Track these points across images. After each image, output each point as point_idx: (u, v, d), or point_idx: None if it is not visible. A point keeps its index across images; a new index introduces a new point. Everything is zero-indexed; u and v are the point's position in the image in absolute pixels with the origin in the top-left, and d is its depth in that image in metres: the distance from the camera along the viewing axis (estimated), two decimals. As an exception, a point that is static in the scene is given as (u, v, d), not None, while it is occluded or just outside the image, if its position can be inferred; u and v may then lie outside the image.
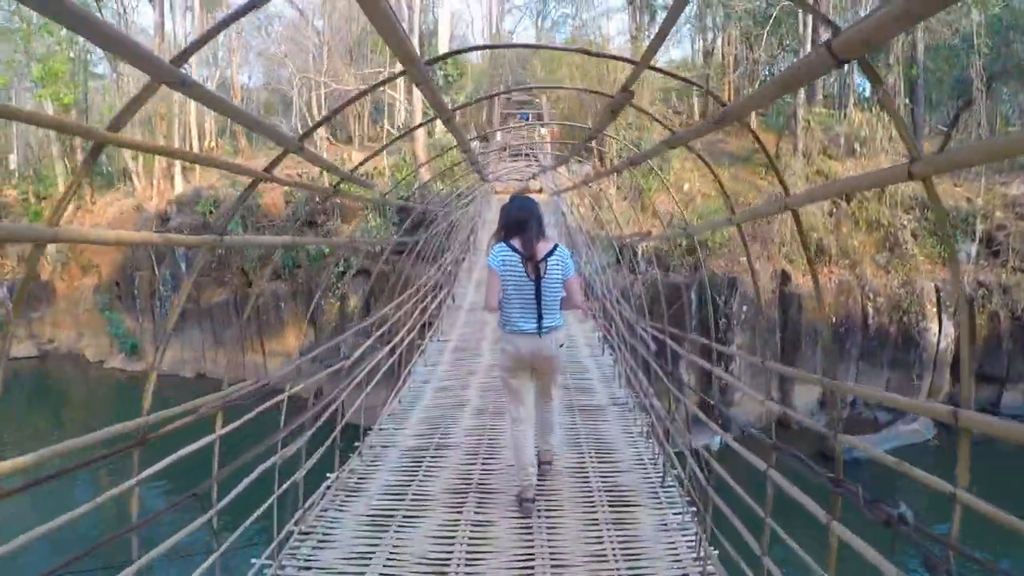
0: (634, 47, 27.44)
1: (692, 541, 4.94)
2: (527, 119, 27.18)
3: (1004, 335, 21.77)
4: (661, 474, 6.07)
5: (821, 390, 20.98)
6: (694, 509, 5.22)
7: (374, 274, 18.77)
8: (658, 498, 5.68)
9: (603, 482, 5.96)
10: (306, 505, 5.31)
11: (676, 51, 36.99)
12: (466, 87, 27.58)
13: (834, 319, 20.96)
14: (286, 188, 22.70)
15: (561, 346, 5.38)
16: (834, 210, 21.97)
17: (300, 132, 21.08)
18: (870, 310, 21.07)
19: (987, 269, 22.14)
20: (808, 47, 23.69)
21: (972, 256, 22.21)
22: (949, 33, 27.12)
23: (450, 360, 10.29)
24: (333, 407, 6.20)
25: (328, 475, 5.99)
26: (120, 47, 2.03)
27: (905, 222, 22.09)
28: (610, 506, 5.51)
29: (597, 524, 5.21)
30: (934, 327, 21.29)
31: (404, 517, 5.35)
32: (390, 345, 8.78)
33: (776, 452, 4.09)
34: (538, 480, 5.61)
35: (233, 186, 24.95)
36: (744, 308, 20.49)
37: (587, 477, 6.05)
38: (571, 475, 6.09)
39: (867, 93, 27.60)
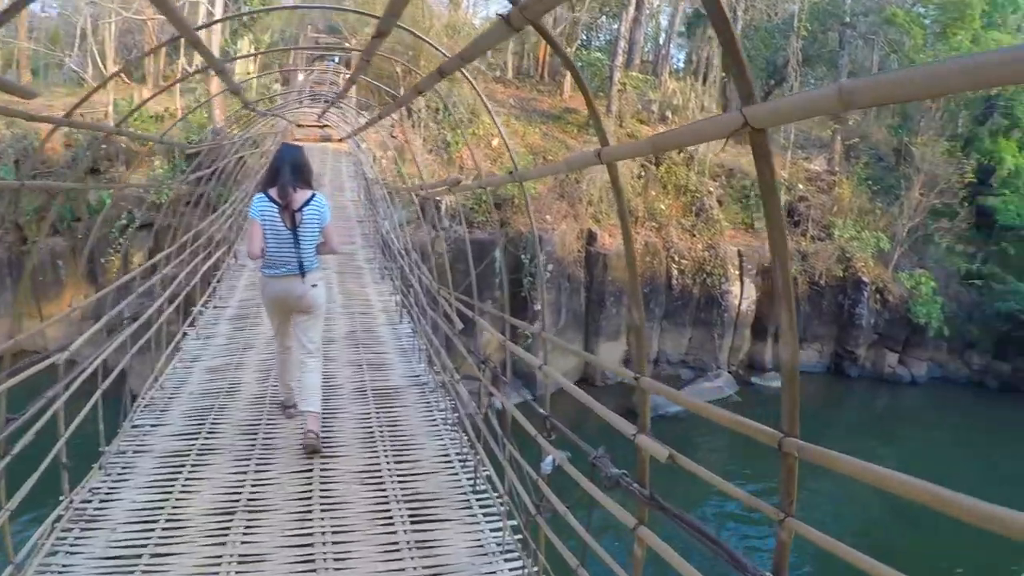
0: (452, 8, 27.55)
1: (519, 571, 4.18)
2: (335, 64, 26.69)
3: (802, 299, 23.11)
4: (472, 478, 5.27)
5: (625, 348, 21.58)
6: (514, 523, 4.47)
7: (155, 227, 17.81)
8: (471, 509, 4.86)
9: (403, 490, 5.07)
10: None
11: (492, 9, 37.07)
12: (272, 26, 26.85)
13: (639, 279, 21.56)
14: (66, 129, 21.28)
15: (314, 286, 5.70)
16: (643, 173, 22.64)
17: (90, 68, 19.91)
18: (675, 271, 21.83)
19: (788, 237, 23.33)
20: (632, 9, 24.42)
21: (774, 224, 23.44)
22: (768, 16, 28.68)
23: (227, 331, 9.11)
24: (86, 372, 5.19)
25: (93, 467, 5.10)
26: None
27: (711, 188, 23.05)
28: (412, 522, 4.65)
29: (398, 548, 4.36)
30: (736, 289, 22.34)
31: (152, 556, 4.23)
32: (149, 313, 7.30)
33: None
34: (322, 491, 5.02)
35: (9, 127, 23.12)
36: (550, 267, 20.76)
37: (383, 484, 5.13)
38: (364, 482, 5.16)
39: (682, 64, 28.81)
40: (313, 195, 5.56)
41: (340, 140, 21.43)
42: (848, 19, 28.77)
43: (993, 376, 26.47)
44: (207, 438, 5.81)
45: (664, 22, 28.75)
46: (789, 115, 1.69)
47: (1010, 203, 27.55)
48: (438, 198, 19.94)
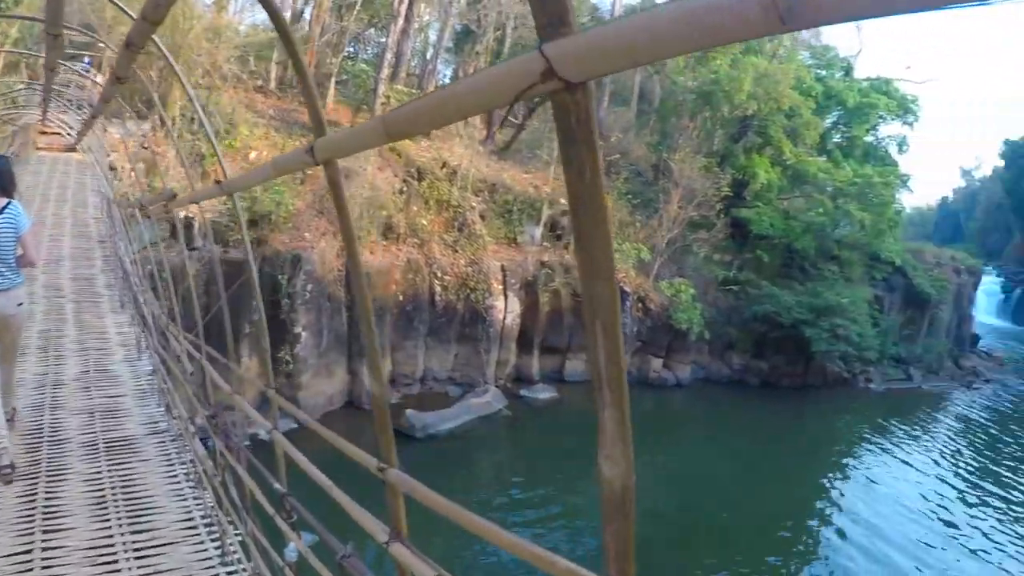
0: (215, 3, 26.80)
1: None
2: (89, 67, 25.29)
3: (566, 310, 24.17)
4: (220, 548, 4.66)
5: (391, 367, 21.73)
6: None
7: None
8: None
9: (140, 568, 4.45)
10: None
11: (261, 14, 36.40)
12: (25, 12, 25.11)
13: (401, 297, 21.81)
14: None
15: (20, 305, 5.51)
16: (404, 188, 22.93)
17: None
18: (438, 288, 22.19)
19: (551, 250, 24.45)
20: (401, 21, 24.70)
21: (537, 238, 24.41)
22: (532, 34, 29.88)
23: None
24: None
25: None
26: None
27: (474, 204, 23.68)
28: None
29: None
30: (500, 304, 23.03)
31: None
32: None
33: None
34: None
35: None
36: (309, 286, 20.61)
37: (116, 561, 4.51)
38: (94, 561, 4.51)
39: (447, 79, 29.49)
40: (9, 203, 5.30)
41: (70, 149, 20.48)
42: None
43: (753, 374, 28.82)
44: None
45: (433, 37, 29.31)
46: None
47: (763, 214, 30.09)
48: (190, 215, 19.39)
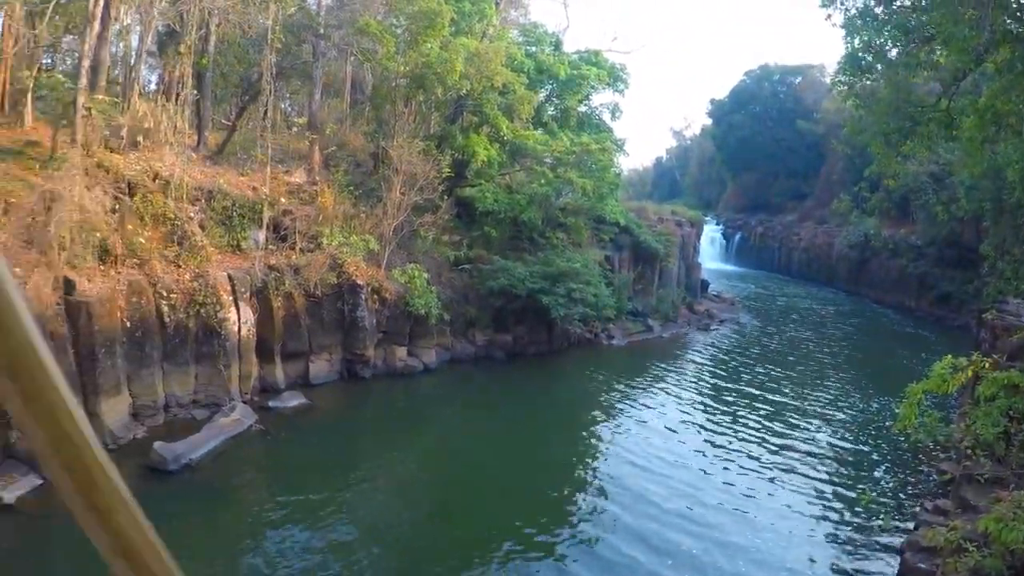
0: None
1: None
2: None
3: (301, 312, 25.93)
4: None
5: (130, 401, 22.32)
6: None
7: None
8: None
9: None
10: None
11: None
12: None
13: (129, 323, 22.40)
14: None
15: None
16: (117, 206, 23.38)
17: None
18: (165, 308, 22.65)
19: (277, 253, 26.14)
20: (97, 25, 24.80)
21: (261, 242, 25.97)
22: (242, 30, 31.13)
23: None
24: None
25: None
26: None
27: (192, 214, 24.76)
28: None
29: None
30: (233, 315, 24.07)
31: None
32: None
33: None
34: None
35: None
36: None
37: None
38: None
39: (153, 85, 30.14)
40: None
41: None
42: (322, 31, 32.21)
43: (498, 348, 32.14)
44: None
45: (135, 41, 29.56)
46: None
47: (486, 191, 33.42)
48: None
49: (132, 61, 29.61)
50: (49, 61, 31.42)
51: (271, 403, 24.64)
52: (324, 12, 33.18)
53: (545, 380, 31.27)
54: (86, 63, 24.51)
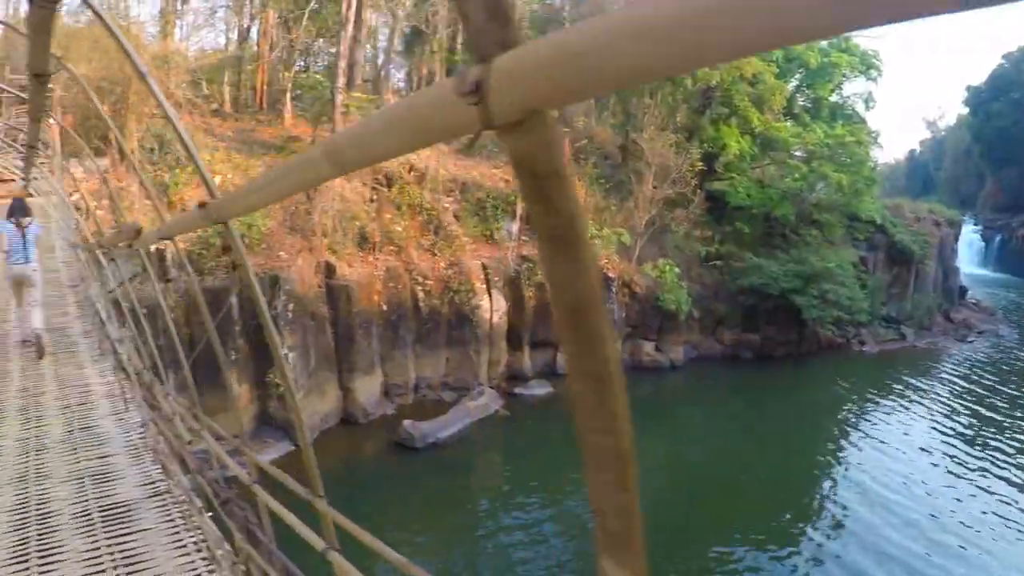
0: (161, 28, 27.65)
1: None
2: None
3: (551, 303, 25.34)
4: None
5: (382, 380, 22.67)
6: None
7: None
8: None
9: None
10: None
11: (212, 34, 37.43)
12: None
13: (385, 307, 22.78)
14: None
15: (34, 270, 10.77)
16: (375, 196, 23.92)
17: None
18: (420, 293, 23.07)
19: (529, 244, 25.61)
20: (351, 28, 25.59)
21: (515, 233, 25.56)
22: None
23: None
24: None
25: None
26: None
27: (447, 204, 24.77)
28: None
29: None
30: (485, 303, 24.03)
31: None
32: None
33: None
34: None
35: None
36: (290, 306, 21.49)
37: None
38: None
39: (402, 82, 30.57)
40: (32, 220, 11.07)
41: (29, 195, 21.10)
42: (567, 24, 31.61)
43: (746, 348, 30.21)
44: None
45: (382, 42, 30.30)
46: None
47: (738, 185, 31.54)
48: (161, 247, 20.00)
49: (380, 61, 30.20)
50: (303, 63, 32.67)
51: (517, 390, 24.61)
52: (568, 5, 32.50)
53: (791, 385, 28.99)
54: (342, 63, 25.18)
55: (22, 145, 21.70)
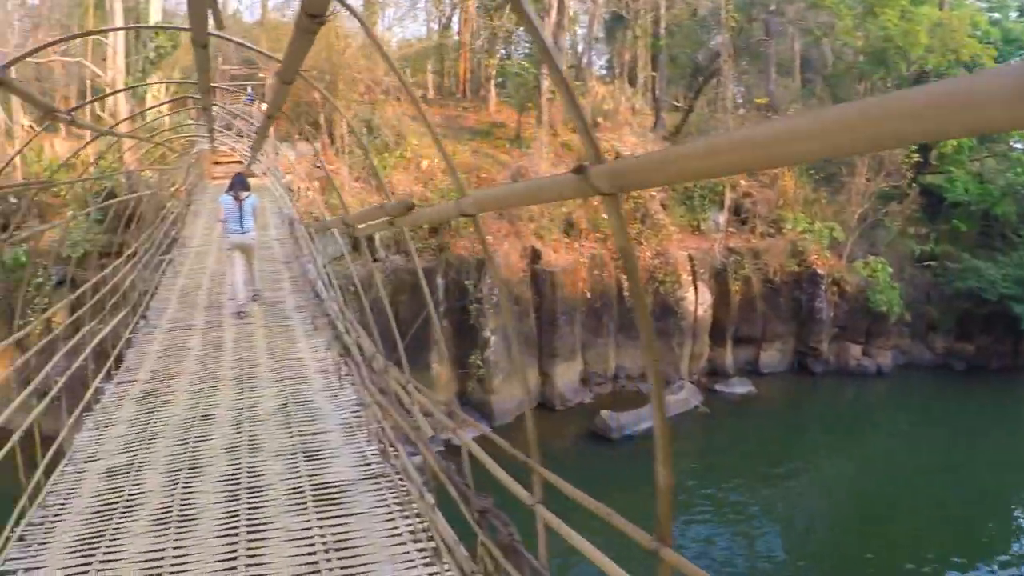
0: (367, 17, 28.07)
1: None
2: (252, 99, 27.04)
3: (757, 298, 24.10)
4: None
5: (582, 367, 22.19)
6: None
7: (68, 281, 17.90)
8: None
9: None
10: None
11: (414, 25, 38.06)
12: (180, 61, 27.03)
13: (589, 294, 22.25)
14: None
15: (252, 239, 11.53)
16: (582, 183, 23.40)
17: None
18: (624, 283, 22.46)
19: (737, 236, 24.44)
20: (553, 16, 25.17)
21: (721, 224, 24.45)
22: (692, 11, 29.94)
23: (131, 415, 7.79)
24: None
25: None
26: None
27: (654, 192, 23.89)
28: None
29: None
30: (690, 295, 23.15)
31: None
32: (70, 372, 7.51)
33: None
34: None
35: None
36: (496, 290, 21.25)
37: None
38: None
39: (602, 69, 29.82)
40: (249, 194, 11.55)
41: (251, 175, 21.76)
42: (774, 6, 30.06)
43: (958, 357, 27.84)
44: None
45: (580, 30, 29.86)
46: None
47: (956, 179, 29.10)
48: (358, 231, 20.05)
49: (580, 49, 29.64)
50: (503, 51, 32.46)
51: (717, 387, 23.69)
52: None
53: (1004, 402, 26.28)
54: (548, 49, 24.60)
55: (237, 132, 22.64)
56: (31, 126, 26.81)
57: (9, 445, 5.59)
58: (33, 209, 21.97)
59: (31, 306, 20.64)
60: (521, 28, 28.73)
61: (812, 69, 33.75)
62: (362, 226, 7.64)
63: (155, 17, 25.94)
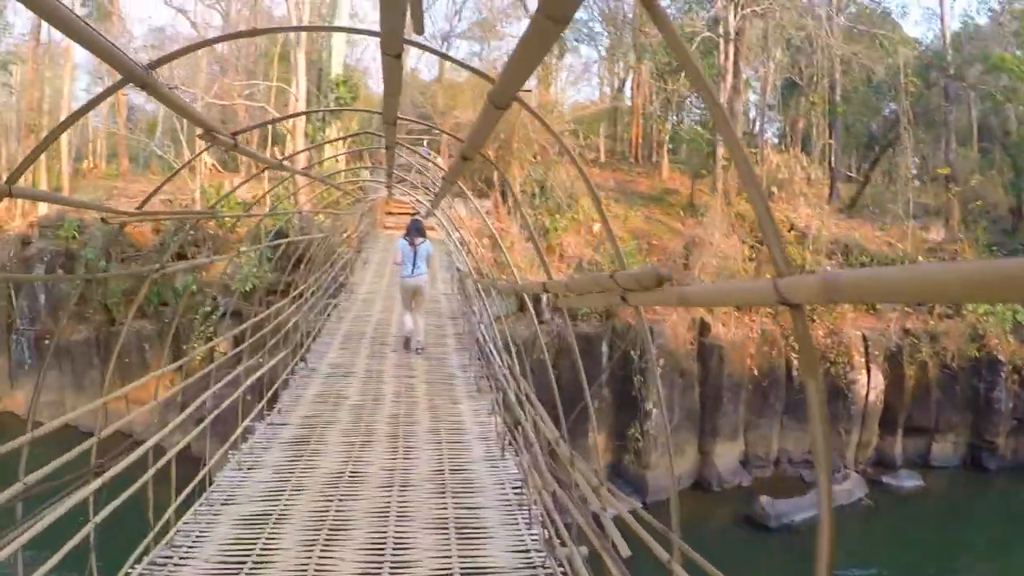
0: (541, 82, 28.16)
1: None
2: (428, 153, 27.61)
3: (933, 385, 22.68)
4: None
5: (743, 448, 21.38)
6: None
7: (235, 315, 18.42)
8: None
9: None
10: None
11: (587, 89, 38.29)
12: (359, 113, 27.79)
13: (756, 371, 21.45)
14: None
15: (424, 283, 12.22)
16: (754, 255, 22.68)
17: (185, 153, 20.72)
18: (795, 362, 21.51)
19: (914, 316, 23.14)
20: (730, 79, 24.63)
21: (898, 304, 23.21)
22: (867, 77, 28.78)
23: (277, 460, 7.72)
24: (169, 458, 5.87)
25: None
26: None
27: (827, 267, 22.95)
28: None
29: None
30: (862, 378, 21.97)
31: None
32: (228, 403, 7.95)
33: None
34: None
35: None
36: (661, 361, 20.71)
37: None
38: None
39: (773, 138, 29.02)
40: (424, 240, 12.28)
41: (431, 228, 21.89)
42: (952, 71, 28.63)
43: None
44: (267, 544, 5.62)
45: (752, 96, 29.22)
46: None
47: None
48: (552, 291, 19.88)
49: (752, 115, 29.01)
50: (676, 117, 32.10)
51: (884, 478, 22.13)
52: (951, 49, 29.34)
53: None
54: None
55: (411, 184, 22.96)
56: (214, 165, 28.19)
57: (152, 471, 5.55)
58: (208, 243, 22.81)
59: (196, 333, 21.44)
60: (695, 93, 28.30)
61: (989, 137, 32.01)
62: (569, 296, 7.12)
63: (336, 71, 26.75)
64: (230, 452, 7.66)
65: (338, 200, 21.61)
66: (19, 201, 25.70)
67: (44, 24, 27.33)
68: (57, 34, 32.44)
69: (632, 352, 20.53)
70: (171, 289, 22.41)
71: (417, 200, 21.97)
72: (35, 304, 24.15)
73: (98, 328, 23.22)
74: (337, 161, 22.11)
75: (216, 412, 7.63)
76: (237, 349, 9.81)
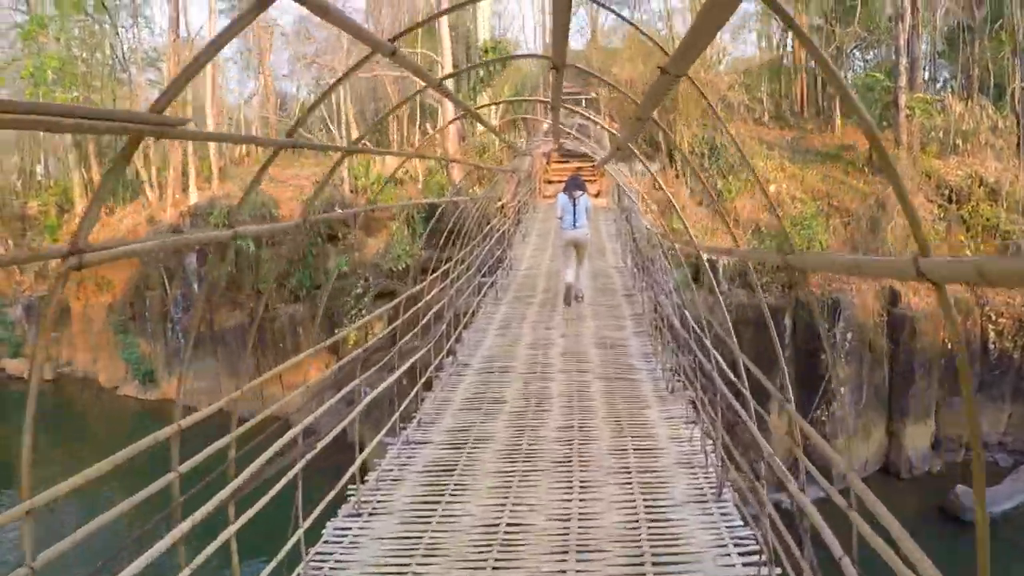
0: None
1: None
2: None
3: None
4: None
5: (933, 430, 19.41)
6: None
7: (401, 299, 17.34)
8: None
9: None
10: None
11: (744, 46, 35.95)
12: (511, 78, 26.58)
13: (950, 345, 19.31)
14: (304, 197, 21.61)
15: (586, 235, 12.23)
16: (943, 214, 20.52)
17: (346, 137, 19.77)
18: (991, 334, 19.28)
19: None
20: (908, 18, 22.24)
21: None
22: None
23: (419, 476, 6.46)
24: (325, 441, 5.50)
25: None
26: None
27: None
28: None
29: None
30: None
31: None
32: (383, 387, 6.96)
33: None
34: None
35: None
36: (849, 335, 18.83)
37: None
38: None
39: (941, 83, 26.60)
40: (583, 194, 12.13)
41: (596, 194, 20.32)
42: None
43: None
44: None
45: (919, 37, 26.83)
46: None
47: None
48: (712, 258, 18.16)
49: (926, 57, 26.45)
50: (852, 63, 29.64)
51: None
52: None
53: None
54: (903, 60, 21.64)
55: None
56: (364, 143, 27.28)
57: (310, 455, 5.04)
58: (356, 221, 21.91)
59: (348, 315, 20.52)
60: (867, 37, 25.89)
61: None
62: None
63: (483, 37, 25.68)
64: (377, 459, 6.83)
65: (487, 173, 20.34)
66: (170, 191, 25.73)
67: (182, 18, 26.84)
68: (195, 27, 32.51)
69: (819, 325, 18.74)
70: (323, 272, 21.67)
71: (589, 152, 20.48)
72: (189, 292, 24.23)
73: (251, 313, 23.01)
74: (484, 135, 20.87)
75: (369, 397, 6.55)
76: (390, 327, 8.41)
